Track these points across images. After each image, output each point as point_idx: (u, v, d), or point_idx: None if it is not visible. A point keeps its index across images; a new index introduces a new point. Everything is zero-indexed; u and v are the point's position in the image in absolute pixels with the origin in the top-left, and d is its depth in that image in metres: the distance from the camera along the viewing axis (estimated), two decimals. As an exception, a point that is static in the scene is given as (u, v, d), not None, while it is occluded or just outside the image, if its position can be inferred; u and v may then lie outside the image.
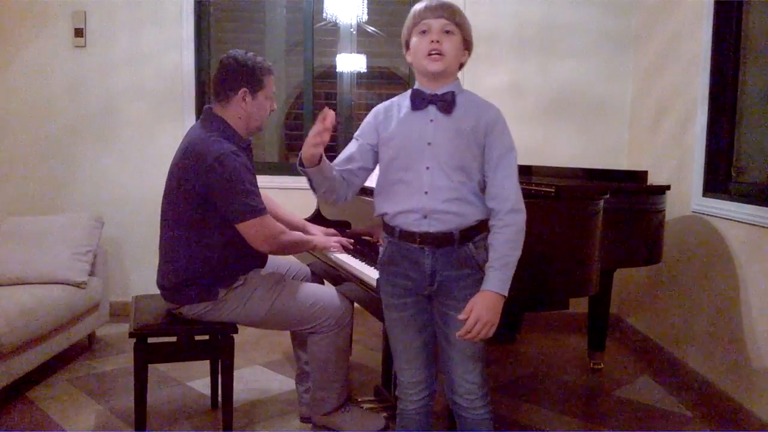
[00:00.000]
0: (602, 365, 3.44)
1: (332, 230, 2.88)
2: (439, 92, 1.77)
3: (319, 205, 3.41)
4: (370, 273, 2.28)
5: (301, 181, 4.39)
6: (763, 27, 3.00)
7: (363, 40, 4.43)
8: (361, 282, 2.30)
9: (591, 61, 4.18)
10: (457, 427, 1.92)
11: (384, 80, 4.61)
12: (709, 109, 3.16)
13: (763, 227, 2.65)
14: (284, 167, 4.42)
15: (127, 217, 4.16)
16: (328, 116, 1.66)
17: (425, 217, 1.75)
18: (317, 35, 4.34)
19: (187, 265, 2.41)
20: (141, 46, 4.14)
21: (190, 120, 4.16)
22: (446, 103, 1.76)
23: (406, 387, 1.90)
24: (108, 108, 4.16)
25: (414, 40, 1.79)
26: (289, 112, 4.67)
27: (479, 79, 4.06)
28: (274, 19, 4.46)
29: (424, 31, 1.76)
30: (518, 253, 1.74)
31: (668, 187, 3.08)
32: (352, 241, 2.73)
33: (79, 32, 4.07)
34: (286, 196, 3.91)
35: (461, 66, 1.83)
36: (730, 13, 3.10)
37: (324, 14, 4.30)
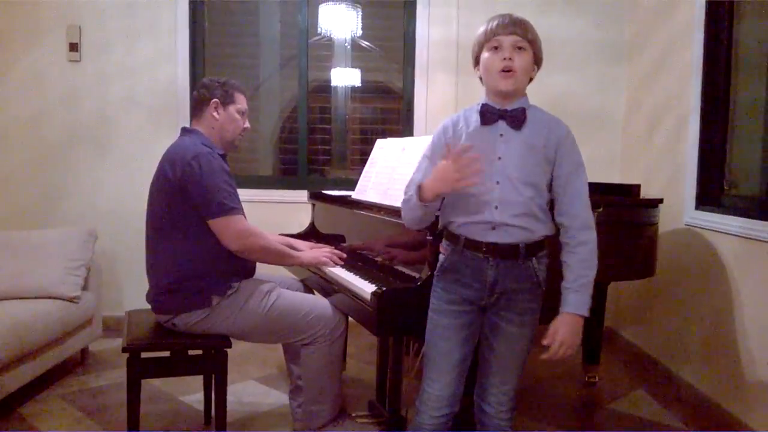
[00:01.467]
0: (597, 378, 3.44)
1: (320, 244, 2.88)
2: (509, 108, 1.78)
3: (314, 219, 3.41)
4: (364, 286, 2.27)
5: (295, 195, 4.40)
6: (755, 39, 3.03)
7: (357, 55, 4.45)
8: (355, 296, 2.30)
9: (583, 74, 4.21)
10: None
11: (378, 94, 4.62)
12: (701, 121, 3.18)
13: (756, 240, 2.66)
14: (278, 181, 4.42)
15: (120, 231, 4.14)
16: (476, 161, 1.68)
17: (493, 228, 1.76)
18: (312, 50, 4.36)
19: (174, 269, 2.43)
20: (136, 60, 4.15)
21: (184, 134, 4.16)
22: (517, 119, 1.77)
23: (429, 399, 1.87)
24: (102, 121, 4.17)
25: (485, 56, 1.79)
26: (284, 126, 4.66)
27: (473, 91, 4.07)
28: (269, 33, 4.47)
29: (495, 48, 1.77)
30: (594, 272, 1.76)
31: (661, 200, 3.09)
32: (345, 255, 2.72)
33: (73, 47, 4.08)
34: (281, 209, 3.92)
35: (530, 81, 1.84)
36: (722, 26, 3.12)
37: (318, 29, 4.31)
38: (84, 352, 3.60)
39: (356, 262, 2.73)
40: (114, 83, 4.15)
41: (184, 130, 2.65)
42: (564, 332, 1.72)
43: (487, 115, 1.79)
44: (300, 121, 4.34)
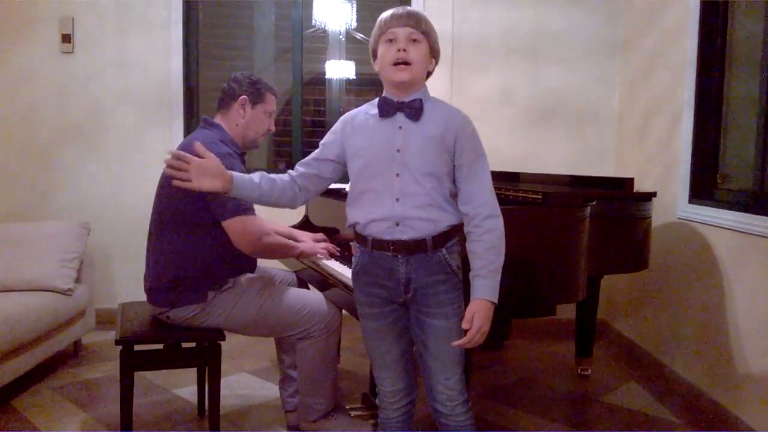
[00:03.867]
0: (589, 371, 3.45)
1: (321, 235, 2.88)
2: (407, 100, 1.78)
3: (308, 211, 3.41)
4: (358, 279, 2.27)
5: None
6: (749, 35, 3.04)
7: (352, 47, 4.43)
8: (348, 288, 2.30)
9: (578, 69, 4.21)
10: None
11: (373, 87, 4.61)
12: (695, 116, 3.18)
13: (749, 234, 2.67)
14: (272, 173, 4.41)
15: (113, 224, 4.14)
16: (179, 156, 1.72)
17: (397, 224, 1.75)
18: (306, 42, 4.35)
19: (177, 266, 2.41)
20: (129, 52, 4.13)
21: (178, 126, 4.15)
22: (414, 110, 1.76)
23: (386, 396, 1.89)
24: (95, 114, 4.15)
25: (381, 49, 1.79)
26: (278, 119, 4.64)
27: (468, 85, 4.09)
28: (263, 26, 4.46)
29: (390, 40, 1.76)
30: (502, 258, 1.74)
31: (654, 194, 3.10)
32: (339, 249, 2.72)
33: (66, 38, 4.06)
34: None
35: (429, 75, 1.83)
36: (716, 21, 3.13)
37: (313, 21, 4.30)
38: (77, 344, 3.59)
39: (350, 254, 2.73)
40: (107, 76, 4.13)
41: (206, 122, 2.56)
42: (479, 318, 1.69)
43: (385, 108, 1.78)
44: (294, 113, 4.34)
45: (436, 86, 4.13)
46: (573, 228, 2.36)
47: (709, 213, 3.00)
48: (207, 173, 1.72)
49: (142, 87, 4.15)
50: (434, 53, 1.81)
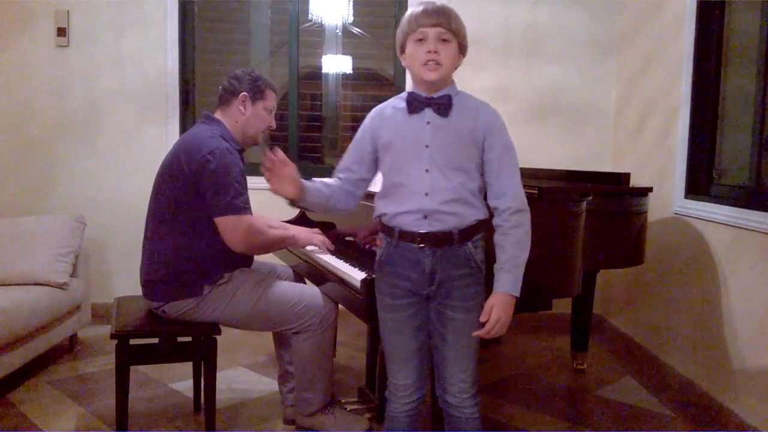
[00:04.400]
0: (585, 366, 3.46)
1: (316, 229, 2.87)
2: (435, 96, 1.78)
3: (304, 206, 3.40)
4: (354, 274, 2.28)
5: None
6: (745, 32, 3.04)
7: (348, 42, 4.43)
8: (344, 283, 2.30)
9: (575, 66, 4.21)
10: (444, 427, 1.92)
11: (369, 81, 4.60)
12: (691, 112, 3.19)
13: (744, 229, 2.67)
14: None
15: (109, 219, 4.13)
16: (273, 154, 1.75)
17: (425, 217, 1.76)
18: (302, 36, 4.34)
19: (173, 259, 2.40)
20: (125, 47, 4.11)
21: (173, 121, 4.14)
22: (443, 106, 1.77)
23: (397, 389, 1.88)
24: (91, 109, 4.13)
25: (410, 48, 1.79)
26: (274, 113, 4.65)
27: (464, 82, 4.05)
28: (260, 20, 4.44)
29: (420, 40, 1.76)
30: (527, 253, 1.77)
31: (650, 189, 3.11)
32: (333, 246, 2.72)
33: (61, 31, 4.04)
34: (270, 196, 3.90)
35: (455, 68, 1.84)
36: (712, 18, 3.14)
37: (309, 15, 4.29)
38: (73, 338, 3.59)
39: (346, 249, 2.73)
40: (103, 70, 4.11)
41: (206, 118, 2.55)
42: (498, 310, 1.72)
43: (414, 104, 1.79)
44: (290, 108, 4.32)
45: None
46: (569, 223, 2.36)
47: (705, 208, 3.01)
48: (285, 180, 1.77)
49: (137, 82, 4.14)
50: (462, 50, 1.82)
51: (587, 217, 2.52)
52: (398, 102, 1.85)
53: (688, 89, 3.20)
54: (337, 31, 4.40)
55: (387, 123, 1.83)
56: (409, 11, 1.80)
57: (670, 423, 2.86)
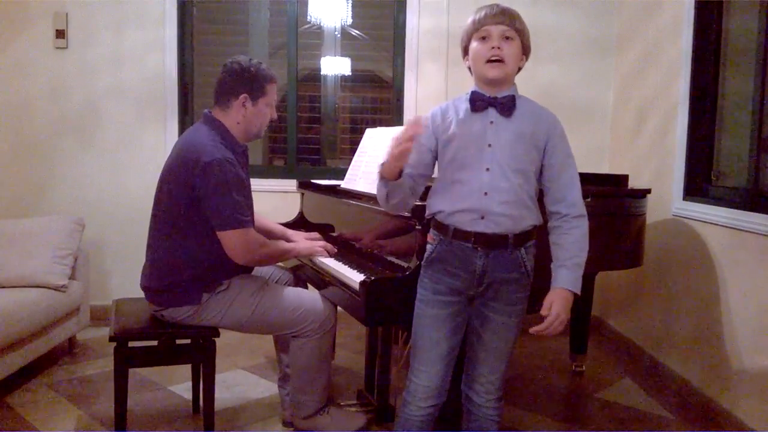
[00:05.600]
0: (584, 368, 3.46)
1: (315, 234, 2.87)
2: (499, 96, 1.79)
3: (303, 208, 3.40)
4: (353, 276, 2.28)
5: (284, 185, 4.39)
6: (743, 32, 3.04)
7: (347, 43, 4.43)
8: (344, 285, 2.30)
9: (573, 66, 4.21)
10: (462, 427, 1.94)
11: (368, 83, 4.61)
12: (689, 113, 3.19)
13: (743, 230, 2.68)
14: (267, 170, 4.41)
15: (108, 220, 4.12)
16: (419, 122, 1.66)
17: (482, 217, 1.76)
18: (301, 38, 4.34)
19: (174, 267, 2.39)
20: (123, 48, 4.11)
21: (172, 122, 4.14)
22: (506, 106, 1.78)
23: (417, 390, 1.87)
24: (89, 109, 4.13)
25: (474, 45, 1.80)
26: (273, 115, 4.65)
27: (462, 81, 4.07)
28: (258, 21, 4.45)
29: (484, 37, 1.77)
30: (585, 255, 1.78)
31: (649, 191, 3.11)
32: (336, 249, 2.72)
33: (60, 33, 4.04)
34: (269, 198, 3.91)
35: (518, 70, 1.84)
36: (711, 19, 3.14)
37: (308, 17, 4.29)
38: (71, 341, 3.58)
39: (345, 251, 2.73)
40: (101, 71, 4.11)
41: (208, 119, 2.47)
42: (558, 306, 1.73)
43: (477, 103, 1.79)
44: (289, 110, 4.32)
45: (432, 82, 4.13)
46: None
47: (703, 210, 3.01)
48: (406, 154, 1.69)
49: (136, 83, 4.14)
50: (526, 50, 1.83)
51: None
52: (459, 102, 1.85)
53: (687, 90, 3.20)
54: (336, 32, 4.40)
55: (450, 121, 1.83)
56: (474, 14, 1.81)
57: (669, 425, 2.86)
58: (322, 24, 4.33)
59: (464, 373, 1.91)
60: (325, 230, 3.01)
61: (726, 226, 2.80)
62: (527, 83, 4.46)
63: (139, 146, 4.15)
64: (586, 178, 3.29)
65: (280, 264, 3.06)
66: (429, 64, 4.12)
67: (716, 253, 2.91)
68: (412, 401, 1.88)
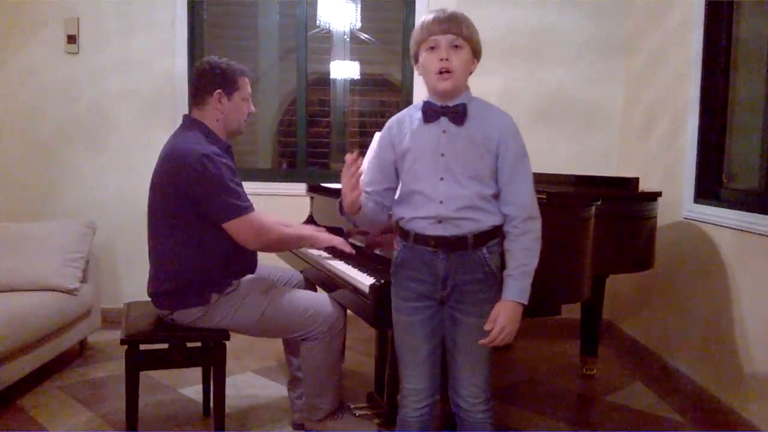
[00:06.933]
0: (595, 371, 3.45)
1: (324, 230, 2.87)
2: (451, 104, 1.79)
3: (312, 212, 3.41)
4: (363, 279, 2.27)
5: (294, 188, 4.39)
6: (754, 33, 3.03)
7: (356, 47, 4.44)
8: (353, 288, 2.30)
9: (581, 68, 4.20)
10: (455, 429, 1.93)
11: (377, 87, 4.61)
12: (699, 115, 3.18)
13: (754, 233, 2.66)
14: (277, 174, 4.42)
15: (118, 223, 4.14)
16: (354, 160, 1.74)
17: (440, 222, 1.77)
18: (311, 42, 4.35)
19: (179, 270, 2.40)
20: (133, 52, 4.14)
21: (182, 126, 4.16)
22: (458, 115, 1.78)
23: (409, 394, 1.88)
24: (100, 113, 4.16)
25: (423, 56, 1.79)
26: (282, 119, 4.66)
27: (470, 82, 4.06)
28: (268, 26, 4.46)
29: (432, 48, 1.76)
30: (536, 261, 1.77)
31: (659, 194, 3.10)
32: (353, 251, 2.71)
33: (71, 39, 4.07)
34: (279, 202, 3.92)
35: (470, 73, 1.85)
36: (721, 20, 3.12)
37: (317, 21, 4.30)
38: (83, 343, 3.60)
39: (355, 254, 2.73)
40: (112, 76, 4.14)
41: (188, 121, 2.53)
42: (503, 318, 1.72)
43: (429, 113, 1.80)
44: (299, 113, 4.33)
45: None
46: (578, 228, 2.36)
47: (714, 212, 3.00)
48: (355, 194, 1.78)
49: (146, 86, 4.16)
50: (476, 55, 1.84)
51: (596, 222, 2.52)
52: (413, 111, 1.86)
53: (697, 92, 3.19)
54: (345, 36, 4.41)
55: (404, 131, 1.84)
56: (421, 19, 1.81)
57: (680, 428, 2.84)
58: (331, 28, 4.34)
59: (448, 380, 1.89)
60: (334, 233, 3.01)
61: (737, 229, 2.79)
62: (536, 85, 4.43)
63: (149, 149, 4.12)
64: (597, 181, 3.30)
65: (290, 266, 3.07)
66: (438, 67, 4.10)
67: (727, 255, 2.90)
68: (407, 404, 1.90)
